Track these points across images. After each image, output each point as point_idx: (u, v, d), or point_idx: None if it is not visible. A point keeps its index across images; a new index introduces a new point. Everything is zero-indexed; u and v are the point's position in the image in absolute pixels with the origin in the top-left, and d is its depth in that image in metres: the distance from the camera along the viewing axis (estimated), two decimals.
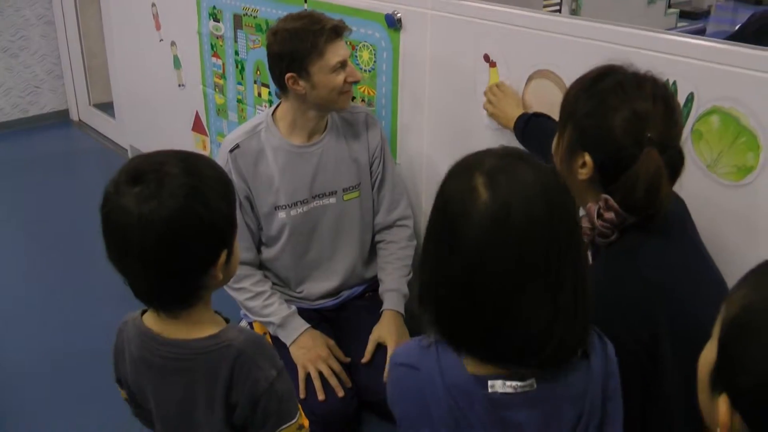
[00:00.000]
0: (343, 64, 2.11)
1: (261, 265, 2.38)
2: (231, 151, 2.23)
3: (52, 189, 4.18)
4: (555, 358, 1.04)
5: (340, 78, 2.10)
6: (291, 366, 2.18)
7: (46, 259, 3.45)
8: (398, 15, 2.36)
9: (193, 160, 1.23)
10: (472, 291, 1.01)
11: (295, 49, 2.07)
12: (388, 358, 2.13)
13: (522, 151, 1.15)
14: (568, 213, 1.05)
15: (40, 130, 5.00)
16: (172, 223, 1.13)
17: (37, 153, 4.69)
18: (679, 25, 7.33)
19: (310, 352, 2.20)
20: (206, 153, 3.63)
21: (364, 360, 2.23)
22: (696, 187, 1.76)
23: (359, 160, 2.33)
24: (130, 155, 4.46)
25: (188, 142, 3.75)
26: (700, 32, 5.95)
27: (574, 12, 5.85)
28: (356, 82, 2.16)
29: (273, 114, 2.27)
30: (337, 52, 2.09)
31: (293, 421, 1.28)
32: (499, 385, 1.04)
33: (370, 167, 2.37)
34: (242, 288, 2.29)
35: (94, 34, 4.91)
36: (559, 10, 4.96)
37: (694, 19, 8.36)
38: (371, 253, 2.47)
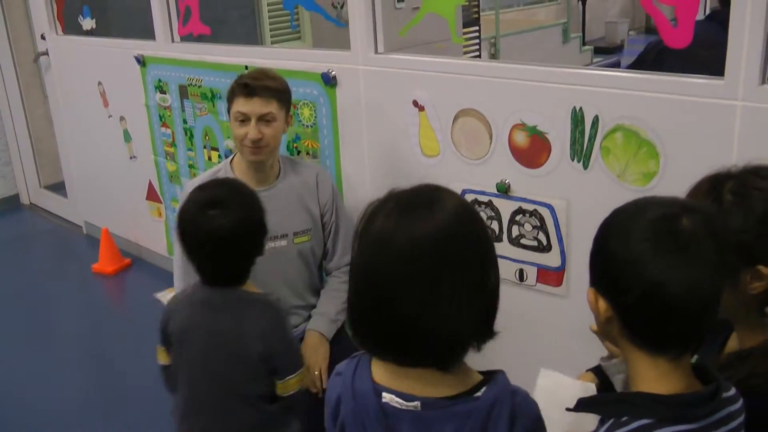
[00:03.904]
0: (245, 117, 2.28)
1: None
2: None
3: (8, 272, 4.23)
4: (446, 354, 1.16)
5: (241, 130, 2.28)
6: None
7: (7, 341, 3.44)
8: (333, 73, 2.59)
9: (238, 185, 1.99)
10: (367, 287, 1.14)
11: (228, 94, 2.35)
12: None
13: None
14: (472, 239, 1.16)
15: None
16: (239, 228, 1.81)
17: None
18: (595, 60, 7.80)
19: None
20: (161, 220, 3.79)
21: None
22: (609, 195, 2.00)
23: (311, 210, 2.48)
24: (84, 232, 4.56)
25: (143, 211, 3.89)
26: (615, 65, 6.32)
27: (494, 56, 6.20)
28: (255, 141, 2.28)
29: (231, 161, 2.46)
30: (241, 105, 2.28)
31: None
32: (389, 398, 1.17)
33: (322, 219, 2.53)
34: None
35: (39, 119, 5.06)
36: (479, 56, 5.29)
37: (608, 54, 8.91)
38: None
